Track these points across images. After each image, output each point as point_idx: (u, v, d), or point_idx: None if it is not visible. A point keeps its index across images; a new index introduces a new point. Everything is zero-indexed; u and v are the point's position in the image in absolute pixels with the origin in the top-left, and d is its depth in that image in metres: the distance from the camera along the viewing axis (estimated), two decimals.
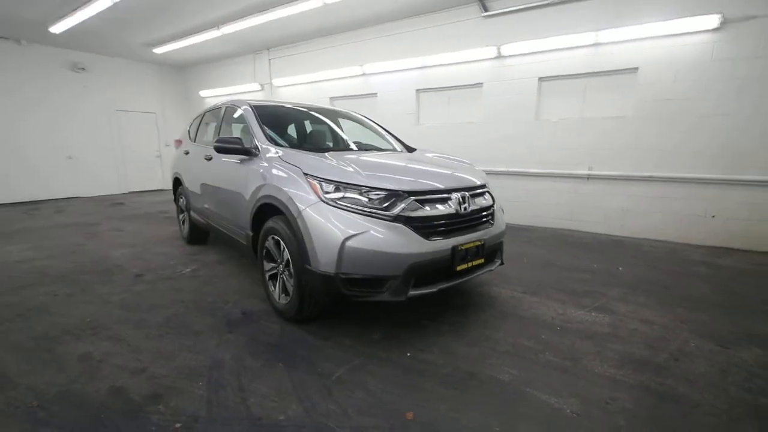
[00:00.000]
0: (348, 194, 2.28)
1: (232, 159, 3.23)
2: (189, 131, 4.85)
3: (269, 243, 2.69)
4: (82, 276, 3.60)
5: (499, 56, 5.87)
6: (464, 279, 2.54)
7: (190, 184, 4.29)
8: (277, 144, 3.00)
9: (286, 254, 2.49)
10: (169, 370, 2.09)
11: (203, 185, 3.88)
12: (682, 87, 4.72)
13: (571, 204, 5.69)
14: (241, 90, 9.36)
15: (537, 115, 5.80)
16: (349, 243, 2.16)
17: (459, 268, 2.44)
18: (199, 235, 4.64)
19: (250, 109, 3.39)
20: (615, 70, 5.12)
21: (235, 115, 3.69)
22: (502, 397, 1.91)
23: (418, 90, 6.85)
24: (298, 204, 2.33)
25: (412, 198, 2.32)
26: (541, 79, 5.65)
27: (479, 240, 2.57)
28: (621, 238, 5.18)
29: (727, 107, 4.50)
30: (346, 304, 2.88)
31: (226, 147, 3.03)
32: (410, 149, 3.73)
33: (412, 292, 2.27)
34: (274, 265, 2.73)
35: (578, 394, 1.93)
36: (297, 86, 8.40)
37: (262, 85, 9.02)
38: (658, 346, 2.41)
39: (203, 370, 2.09)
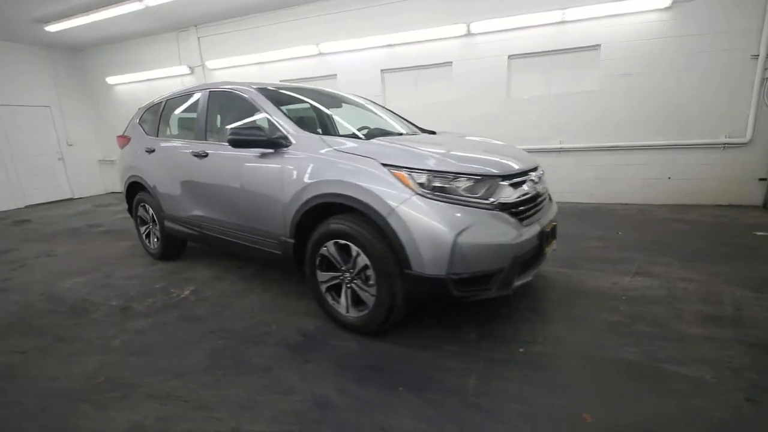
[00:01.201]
0: (442, 184, 1.99)
1: (246, 154, 2.67)
2: (141, 125, 3.96)
3: (328, 249, 2.28)
4: (43, 320, 2.73)
5: (469, 34, 5.82)
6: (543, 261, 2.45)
7: (164, 188, 3.50)
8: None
9: (362, 260, 2.13)
10: (268, 424, 1.65)
11: (192, 188, 3.18)
12: (638, 62, 5.17)
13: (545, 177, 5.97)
14: (164, 74, 8.02)
15: (508, 93, 5.93)
16: (459, 239, 1.90)
17: (546, 250, 2.34)
18: (173, 249, 3.87)
19: (256, 92, 2.83)
20: (580, 47, 5.41)
21: (228, 102, 3.07)
22: (646, 378, 1.86)
23: (383, 70, 6.53)
24: (387, 201, 1.97)
25: (505, 182, 2.13)
26: (510, 56, 5.76)
27: (554, 219, 2.49)
28: (596, 205, 5.61)
29: (677, 80, 5.05)
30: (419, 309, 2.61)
31: (246, 140, 2.49)
32: (432, 132, 3.49)
33: (517, 283, 2.11)
34: (334, 274, 2.33)
35: (700, 360, 1.97)
36: (239, 68, 7.44)
37: (191, 68, 7.82)
38: (715, 300, 2.60)
39: (313, 413, 1.69)
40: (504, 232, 2.02)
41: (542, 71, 5.71)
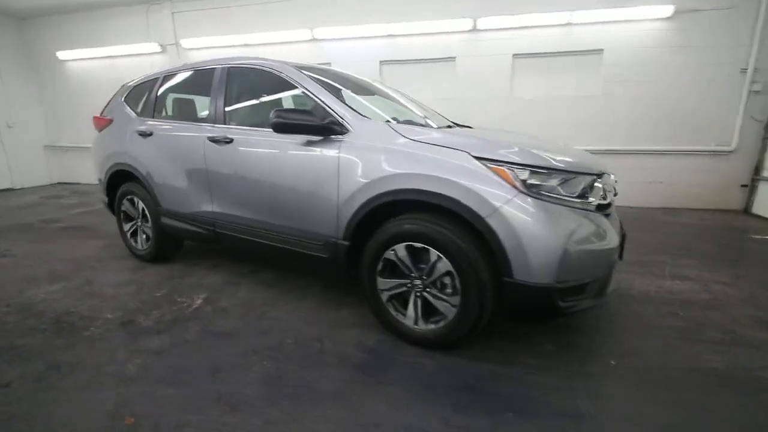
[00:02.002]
0: (545, 182, 1.78)
1: (286, 142, 2.31)
2: (128, 104, 3.39)
3: (396, 253, 1.99)
4: (24, 340, 2.18)
5: (474, 29, 5.70)
6: None
7: (163, 178, 2.99)
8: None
9: (443, 266, 1.87)
10: None
11: (205, 180, 2.72)
12: (638, 69, 5.32)
13: None
14: (129, 52, 7.16)
15: (511, 93, 5.88)
16: (568, 244, 1.70)
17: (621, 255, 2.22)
18: (168, 250, 3.35)
19: (296, 69, 2.46)
20: (583, 50, 5.48)
21: (256, 81, 2.66)
22: (749, 388, 1.78)
23: (382, 62, 6.24)
24: (489, 200, 1.72)
25: (599, 182, 1.96)
26: (515, 55, 5.71)
27: (621, 222, 2.39)
28: None
29: (673, 89, 5.25)
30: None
31: (294, 124, 2.13)
32: (468, 127, 3.29)
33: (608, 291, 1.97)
34: (401, 281, 2.05)
35: None
36: (219, 50, 6.79)
37: (163, 46, 7.04)
38: (761, 304, 2.64)
39: None
40: (604, 236, 1.86)
41: (546, 72, 5.72)
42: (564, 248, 1.69)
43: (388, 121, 2.33)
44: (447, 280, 1.92)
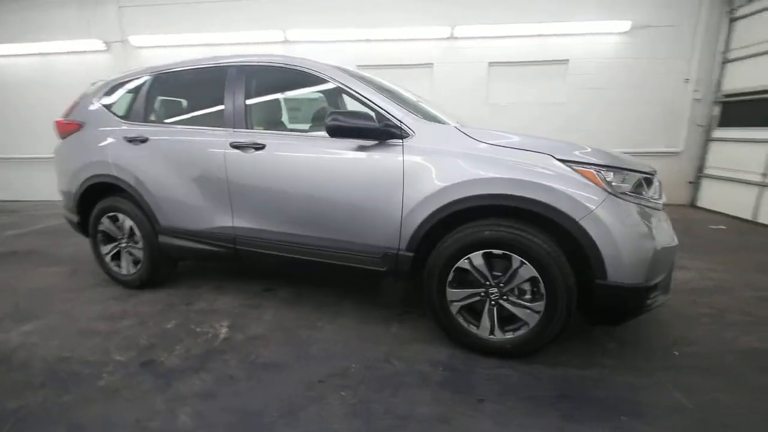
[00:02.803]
0: (627, 183, 1.81)
1: (336, 147, 2.12)
2: (107, 107, 2.91)
3: (471, 262, 1.90)
4: (14, 401, 1.72)
5: (452, 37, 5.82)
6: None
7: (164, 191, 2.59)
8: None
9: (526, 271, 1.81)
10: None
11: (226, 192, 2.39)
12: (600, 78, 5.79)
13: None
14: (65, 49, 6.26)
15: (486, 99, 6.08)
16: (656, 243, 1.74)
17: None
18: (161, 273, 2.92)
19: (334, 68, 2.29)
20: (552, 60, 5.84)
21: (284, 82, 2.43)
22: None
23: (358, 66, 6.09)
24: (583, 203, 1.70)
25: (656, 180, 2.05)
26: (491, 63, 5.92)
27: None
28: None
29: (630, 95, 5.79)
30: None
31: (353, 128, 1.97)
32: None
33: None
34: (474, 291, 1.95)
35: None
36: (177, 49, 6.19)
37: (108, 43, 6.25)
38: (756, 286, 2.94)
39: None
40: (671, 234, 1.94)
41: (519, 80, 6.00)
42: (654, 248, 1.72)
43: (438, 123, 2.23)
44: (526, 286, 1.87)
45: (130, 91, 2.89)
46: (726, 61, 5.41)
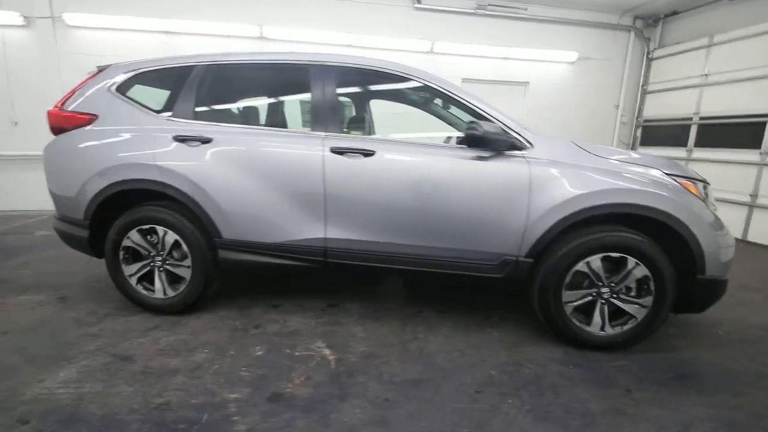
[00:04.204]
0: (708, 192, 2.19)
1: (455, 157, 2.14)
2: (133, 99, 2.44)
3: (590, 265, 2.09)
4: None
5: (431, 52, 6.09)
6: None
7: (239, 200, 2.25)
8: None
9: (640, 271, 2.06)
10: None
11: (321, 201, 2.19)
12: (553, 100, 6.63)
13: None
14: None
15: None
16: (732, 243, 2.15)
17: None
18: (208, 293, 2.52)
19: (441, 80, 2.30)
20: (515, 81, 6.50)
21: (382, 88, 2.35)
22: None
23: None
24: (694, 210, 2.01)
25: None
26: (464, 80, 6.33)
27: None
28: None
29: (575, 116, 6.74)
30: None
31: (488, 138, 2.04)
32: None
33: None
34: (587, 292, 2.15)
35: None
36: (124, 33, 5.30)
37: (27, 18, 5.06)
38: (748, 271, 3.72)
39: None
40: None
41: (487, 97, 6.50)
42: (733, 247, 2.12)
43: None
44: (633, 284, 2.13)
45: (168, 82, 2.46)
46: (645, 93, 6.67)
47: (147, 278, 2.46)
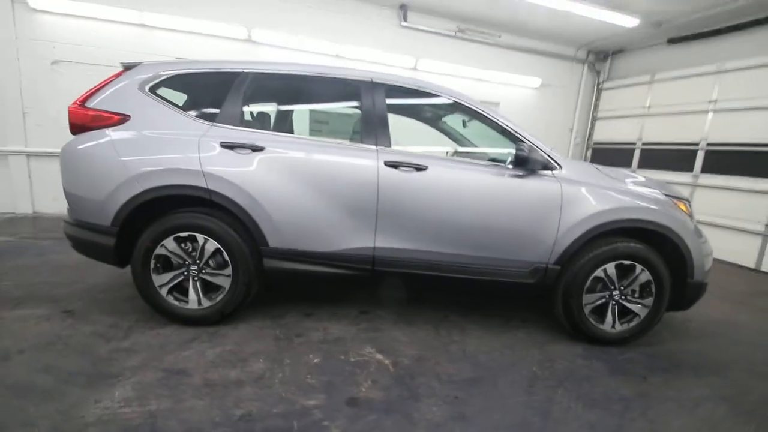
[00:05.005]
0: (691, 210, 2.65)
1: (498, 174, 2.38)
2: (159, 95, 2.36)
3: (606, 271, 2.42)
4: None
5: (415, 69, 6.37)
6: None
7: (289, 209, 2.27)
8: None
9: (645, 276, 2.43)
10: None
11: (373, 212, 2.29)
12: (519, 120, 7.22)
13: None
14: None
15: None
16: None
17: None
18: (245, 302, 2.48)
19: (485, 106, 2.53)
20: (487, 101, 7.00)
21: (429, 109, 2.54)
22: None
23: None
24: (687, 225, 2.43)
25: None
26: None
27: None
28: None
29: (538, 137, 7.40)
30: None
31: (532, 158, 2.33)
32: None
33: None
34: (602, 294, 2.48)
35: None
36: (95, 23, 4.89)
37: None
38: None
39: None
40: None
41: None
42: (712, 256, 2.59)
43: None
44: (637, 287, 2.50)
45: (211, 87, 2.40)
46: (596, 119, 7.55)
47: (177, 288, 2.36)
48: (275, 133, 2.40)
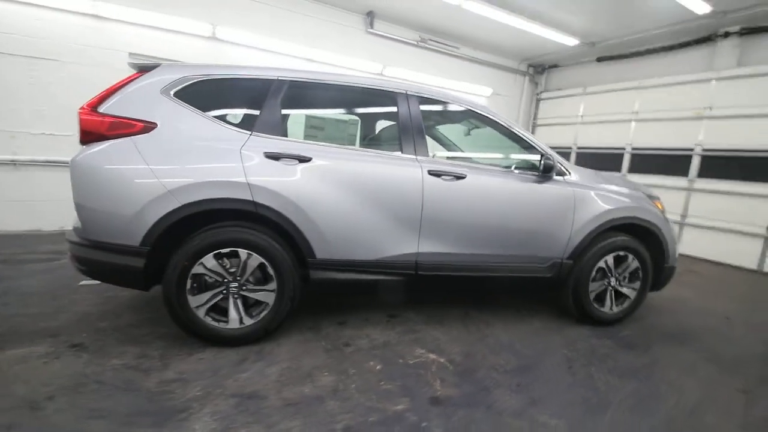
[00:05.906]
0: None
1: (520, 180, 2.63)
2: (203, 106, 2.21)
3: (607, 262, 2.82)
4: None
5: (382, 75, 6.50)
6: None
7: (338, 219, 2.26)
8: None
9: (634, 264, 2.88)
10: None
11: (420, 218, 2.39)
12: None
13: None
14: None
15: None
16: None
17: None
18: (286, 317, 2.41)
19: (482, 109, 2.78)
20: None
21: (456, 119, 2.69)
22: None
23: None
24: (664, 221, 2.91)
25: None
26: None
27: None
28: None
29: None
30: None
31: (556, 166, 2.62)
32: None
33: None
34: (604, 282, 2.88)
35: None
36: (37, 10, 4.21)
37: None
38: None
39: None
40: None
41: None
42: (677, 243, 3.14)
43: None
44: (628, 274, 2.94)
45: (244, 94, 2.29)
46: (535, 126, 8.40)
47: (215, 310, 2.22)
48: (321, 143, 2.36)
